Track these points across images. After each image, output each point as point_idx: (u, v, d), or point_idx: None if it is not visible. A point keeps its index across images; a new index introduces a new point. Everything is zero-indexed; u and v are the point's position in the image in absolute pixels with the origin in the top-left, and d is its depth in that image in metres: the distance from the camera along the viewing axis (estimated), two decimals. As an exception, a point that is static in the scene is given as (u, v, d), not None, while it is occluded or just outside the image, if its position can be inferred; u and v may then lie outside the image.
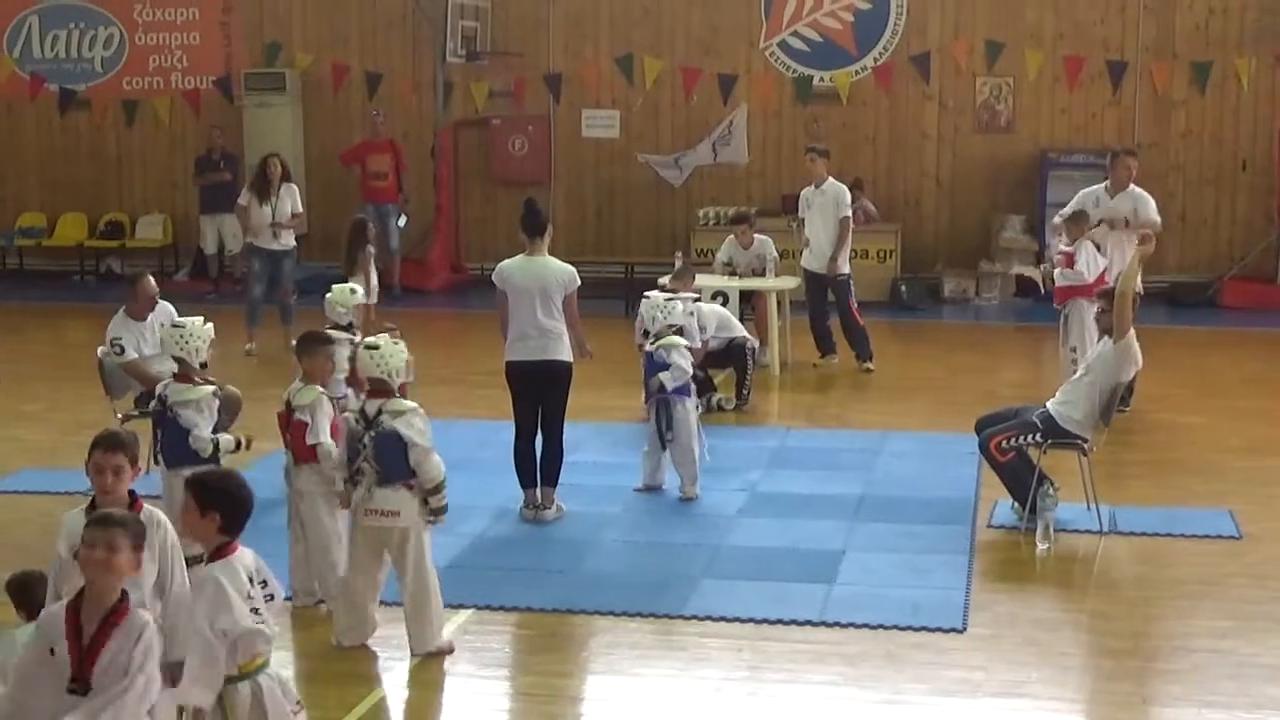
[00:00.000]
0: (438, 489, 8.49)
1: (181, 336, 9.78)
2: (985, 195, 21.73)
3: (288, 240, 17.69)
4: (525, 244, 11.03)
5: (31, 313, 20.77)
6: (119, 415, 11.82)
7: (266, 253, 17.60)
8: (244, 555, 6.14)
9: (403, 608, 8.66)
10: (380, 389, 8.68)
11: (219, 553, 6.09)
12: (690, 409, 11.67)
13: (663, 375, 11.51)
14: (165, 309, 12.05)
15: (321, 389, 9.24)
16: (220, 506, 6.09)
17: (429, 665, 8.51)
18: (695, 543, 10.59)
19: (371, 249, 17.49)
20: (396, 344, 8.85)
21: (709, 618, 9.13)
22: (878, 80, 21.77)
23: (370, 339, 9.00)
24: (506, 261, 11.15)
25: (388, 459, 8.45)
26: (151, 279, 12.16)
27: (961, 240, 21.80)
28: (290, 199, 17.61)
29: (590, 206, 22.66)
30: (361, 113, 22.73)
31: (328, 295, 11.90)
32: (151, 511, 6.45)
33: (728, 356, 14.65)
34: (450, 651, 8.64)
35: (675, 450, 11.58)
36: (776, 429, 14.01)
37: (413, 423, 8.48)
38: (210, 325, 9.99)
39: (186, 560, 6.50)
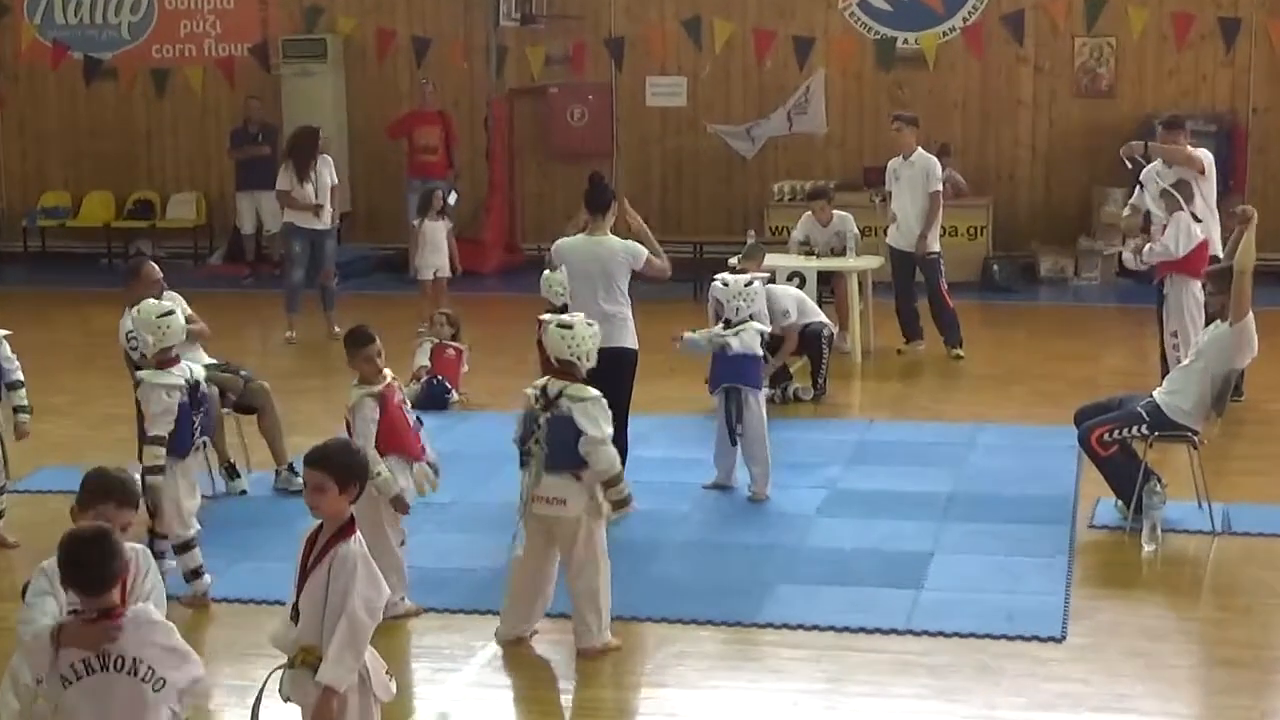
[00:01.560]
0: (613, 481, 8.60)
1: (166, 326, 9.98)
2: (1084, 166, 21.60)
3: (329, 217, 17.75)
4: (586, 220, 11.05)
5: (55, 299, 20.93)
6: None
7: (308, 233, 17.65)
8: (357, 532, 6.37)
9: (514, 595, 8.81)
10: (567, 370, 8.82)
11: (347, 530, 6.30)
12: (761, 401, 11.68)
13: (730, 340, 11.49)
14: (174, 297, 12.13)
15: (366, 389, 9.26)
16: (360, 480, 6.43)
17: (486, 678, 8.56)
18: (770, 544, 10.60)
19: (435, 221, 17.71)
20: (590, 325, 9.07)
21: (785, 626, 9.14)
22: (967, 42, 21.68)
23: (563, 318, 9.13)
24: (565, 239, 11.18)
25: (559, 445, 8.56)
26: (154, 264, 12.23)
27: (1059, 215, 21.70)
28: (327, 171, 17.66)
29: (655, 181, 22.67)
30: (409, 81, 22.83)
31: (545, 274, 11.93)
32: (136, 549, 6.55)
33: (801, 343, 14.62)
34: (617, 648, 8.74)
35: (747, 445, 11.59)
36: (858, 421, 13.99)
37: (591, 412, 8.58)
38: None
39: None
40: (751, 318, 11.78)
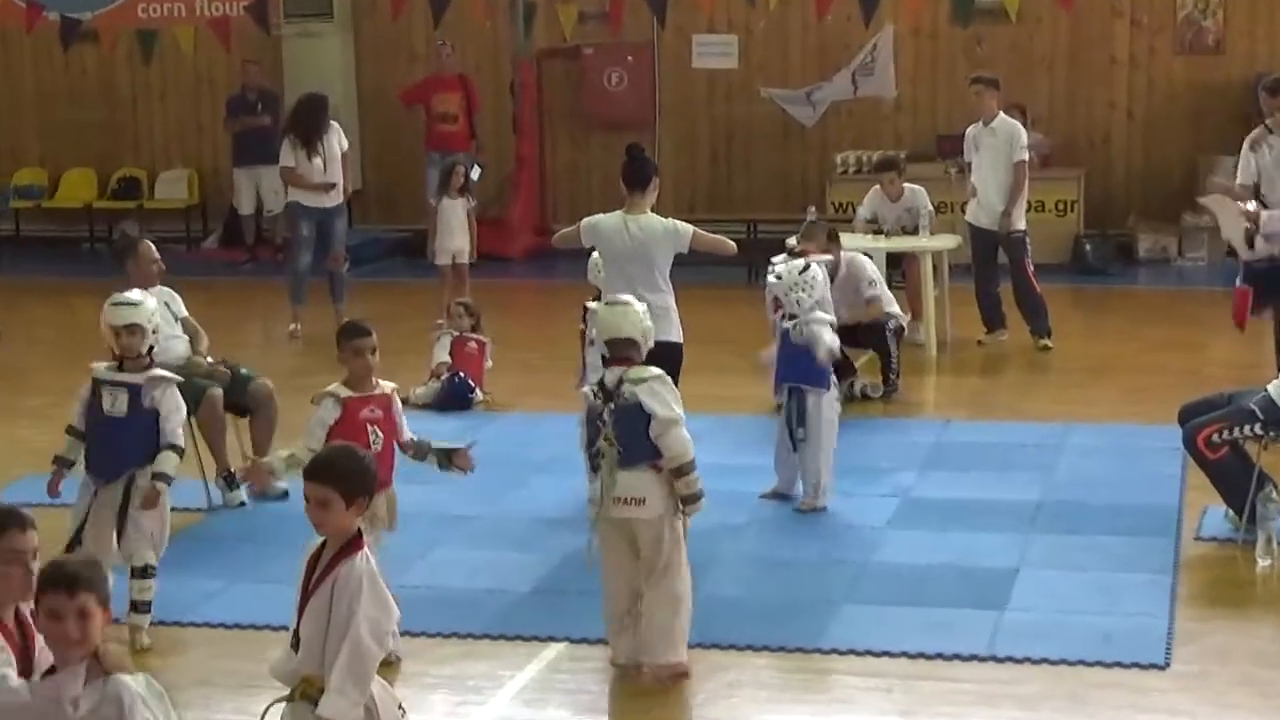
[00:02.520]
0: (685, 470, 8.58)
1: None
2: (1188, 131, 21.54)
3: (338, 194, 17.67)
4: (624, 198, 11.06)
5: (32, 288, 21.04)
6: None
7: (315, 212, 17.51)
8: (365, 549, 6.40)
9: (618, 609, 8.85)
10: (624, 355, 8.80)
11: (353, 546, 6.33)
12: (829, 404, 11.59)
13: (820, 353, 11.44)
14: (170, 294, 12.19)
15: (332, 389, 9.17)
16: (369, 491, 6.48)
17: (515, 712, 8.57)
18: (836, 560, 10.62)
19: (455, 199, 17.76)
20: (641, 303, 9.09)
21: (852, 651, 9.15)
22: (1055, -9, 21.64)
23: (613, 296, 9.15)
24: (600, 217, 11.18)
25: (630, 436, 8.58)
26: (150, 244, 12.28)
27: (1159, 187, 21.65)
28: (336, 139, 17.55)
29: (703, 153, 22.69)
30: (425, 42, 22.87)
31: (593, 256, 12.01)
32: None
33: (866, 335, 14.52)
34: (687, 676, 8.74)
35: (806, 451, 11.55)
36: (933, 421, 14.00)
37: (656, 390, 8.60)
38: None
39: None
40: (816, 305, 11.72)
